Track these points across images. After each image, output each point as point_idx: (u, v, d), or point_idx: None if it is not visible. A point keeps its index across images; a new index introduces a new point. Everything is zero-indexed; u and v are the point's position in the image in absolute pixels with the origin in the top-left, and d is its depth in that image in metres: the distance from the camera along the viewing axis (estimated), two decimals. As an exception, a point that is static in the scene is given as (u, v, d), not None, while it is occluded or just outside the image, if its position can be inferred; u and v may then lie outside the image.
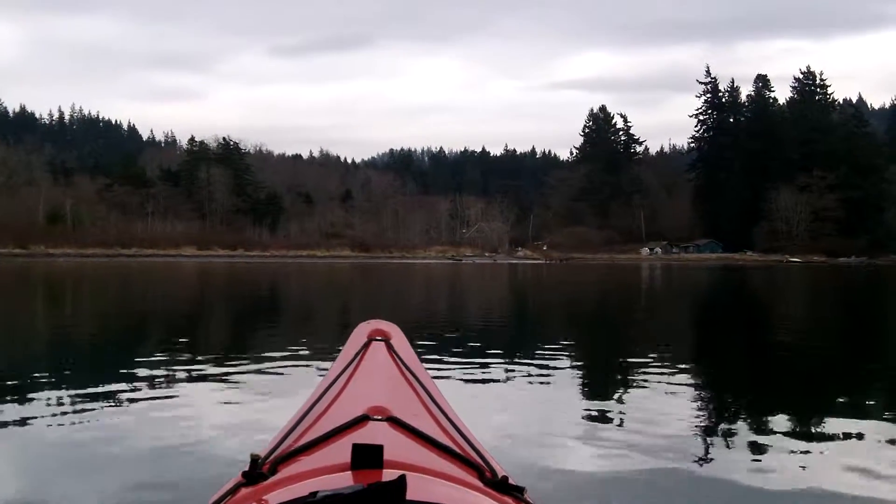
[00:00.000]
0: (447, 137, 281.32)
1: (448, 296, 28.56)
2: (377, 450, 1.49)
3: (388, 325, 2.64)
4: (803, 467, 4.85)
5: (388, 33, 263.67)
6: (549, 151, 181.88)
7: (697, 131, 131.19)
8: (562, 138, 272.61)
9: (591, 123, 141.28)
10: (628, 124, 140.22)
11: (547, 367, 8.81)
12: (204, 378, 7.79)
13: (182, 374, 8.03)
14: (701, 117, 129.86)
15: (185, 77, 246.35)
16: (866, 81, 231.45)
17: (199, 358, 9.39)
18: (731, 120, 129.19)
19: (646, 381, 8.16)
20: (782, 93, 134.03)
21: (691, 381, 8.40)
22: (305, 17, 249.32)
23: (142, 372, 8.17)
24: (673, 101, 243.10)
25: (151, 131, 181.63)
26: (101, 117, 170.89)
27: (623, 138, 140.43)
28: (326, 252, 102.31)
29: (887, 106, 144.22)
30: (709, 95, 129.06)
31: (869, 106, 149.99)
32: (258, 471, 1.59)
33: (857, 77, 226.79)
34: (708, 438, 5.65)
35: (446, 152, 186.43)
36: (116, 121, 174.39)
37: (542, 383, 7.84)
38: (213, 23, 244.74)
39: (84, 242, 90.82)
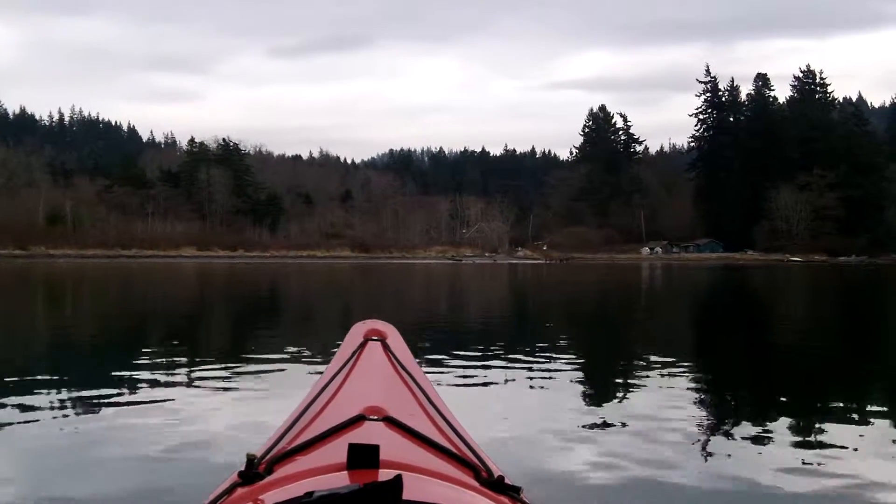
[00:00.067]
0: (447, 137, 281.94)
1: (448, 296, 28.54)
2: (373, 450, 1.49)
3: (384, 325, 2.64)
4: (804, 468, 4.83)
5: (387, 33, 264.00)
6: (549, 151, 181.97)
7: (697, 130, 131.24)
8: (562, 138, 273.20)
9: (590, 123, 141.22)
10: (628, 124, 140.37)
11: (545, 367, 8.80)
12: (201, 378, 7.78)
13: (179, 375, 8.03)
14: (701, 116, 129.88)
15: (184, 78, 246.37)
16: (866, 80, 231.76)
17: (197, 358, 9.40)
18: (731, 119, 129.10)
19: (645, 381, 8.16)
20: (782, 92, 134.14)
21: (691, 382, 8.38)
22: (304, 17, 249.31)
23: (139, 372, 8.17)
24: (673, 101, 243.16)
25: (151, 132, 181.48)
26: (100, 118, 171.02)
27: (623, 138, 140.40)
28: (326, 252, 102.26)
29: (887, 104, 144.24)
30: (709, 95, 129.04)
31: (869, 104, 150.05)
32: (254, 470, 1.58)
33: (856, 76, 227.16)
34: (707, 439, 5.64)
35: (446, 152, 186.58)
36: (116, 122, 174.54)
37: (539, 383, 7.82)
38: (213, 24, 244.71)
39: (84, 243, 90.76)
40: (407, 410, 1.95)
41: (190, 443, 5.16)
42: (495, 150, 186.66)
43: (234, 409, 6.35)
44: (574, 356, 10.25)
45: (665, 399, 7.00)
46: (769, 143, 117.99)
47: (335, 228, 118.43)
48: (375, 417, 1.83)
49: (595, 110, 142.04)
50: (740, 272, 57.56)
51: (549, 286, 37.25)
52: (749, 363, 10.24)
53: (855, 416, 6.47)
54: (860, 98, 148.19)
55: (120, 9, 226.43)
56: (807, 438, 5.71)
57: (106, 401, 6.59)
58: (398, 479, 1.26)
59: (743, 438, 5.62)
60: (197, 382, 7.56)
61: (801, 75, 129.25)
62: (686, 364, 9.75)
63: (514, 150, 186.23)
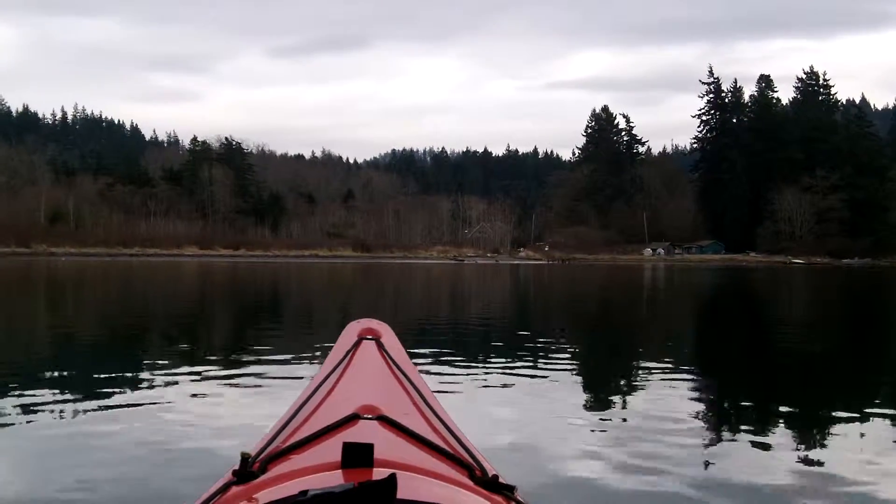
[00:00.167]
0: (449, 137, 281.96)
1: (448, 296, 28.51)
2: (367, 448, 1.49)
3: (379, 324, 2.62)
4: (805, 469, 4.78)
5: (387, 33, 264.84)
6: (551, 151, 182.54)
7: (700, 131, 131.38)
8: (564, 138, 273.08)
9: (593, 124, 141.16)
10: (630, 124, 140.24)
11: (542, 368, 8.75)
12: (197, 377, 7.76)
13: (175, 373, 7.99)
14: (704, 117, 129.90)
15: (186, 78, 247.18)
16: (868, 81, 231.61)
17: (194, 357, 9.40)
18: (734, 120, 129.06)
19: (644, 382, 8.11)
20: (785, 93, 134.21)
21: (691, 383, 8.32)
22: (304, 17, 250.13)
23: (136, 371, 8.19)
24: (673, 101, 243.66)
25: (154, 131, 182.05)
26: (103, 117, 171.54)
27: (625, 138, 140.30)
28: (328, 252, 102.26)
29: (890, 106, 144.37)
30: (711, 96, 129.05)
31: (872, 106, 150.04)
32: (248, 469, 1.58)
33: (858, 77, 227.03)
34: (706, 440, 5.59)
35: (448, 152, 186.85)
36: (119, 121, 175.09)
37: (535, 384, 7.78)
38: (214, 24, 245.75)
39: (86, 242, 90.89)
40: (401, 409, 1.95)
41: (185, 441, 5.15)
42: (497, 150, 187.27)
43: (230, 408, 6.32)
44: (572, 357, 10.20)
45: (664, 400, 6.96)
46: (772, 145, 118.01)
47: (337, 228, 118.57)
48: (370, 416, 1.82)
49: (597, 111, 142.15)
50: (743, 274, 57.53)
51: (550, 287, 37.22)
52: (750, 365, 10.17)
53: (857, 417, 6.41)
54: (863, 100, 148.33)
55: (122, 9, 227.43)
56: (808, 440, 5.66)
57: (102, 400, 6.55)
58: (392, 477, 1.27)
59: (741, 439, 5.59)
60: (193, 381, 7.53)
61: (804, 76, 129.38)
62: (686, 365, 9.70)
63: (517, 151, 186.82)
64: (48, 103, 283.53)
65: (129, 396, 6.75)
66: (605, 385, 8.26)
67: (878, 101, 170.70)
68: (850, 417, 6.39)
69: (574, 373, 8.74)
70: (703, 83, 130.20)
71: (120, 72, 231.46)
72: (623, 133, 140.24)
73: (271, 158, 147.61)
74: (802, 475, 4.61)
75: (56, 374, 8.15)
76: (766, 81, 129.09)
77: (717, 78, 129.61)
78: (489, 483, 1.60)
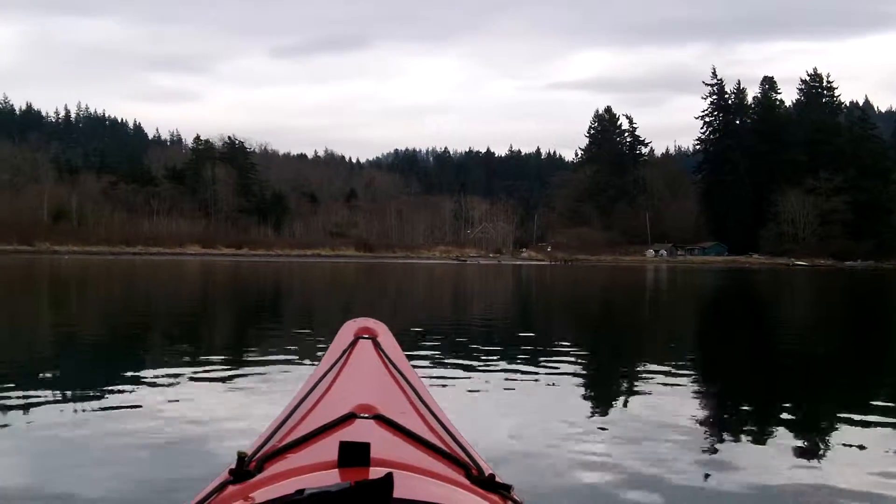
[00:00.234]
0: (452, 138, 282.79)
1: (449, 296, 28.48)
2: (364, 447, 1.49)
3: (375, 323, 2.61)
4: (809, 474, 4.74)
5: (388, 33, 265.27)
6: (554, 152, 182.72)
7: (703, 133, 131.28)
8: (566, 139, 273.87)
9: (596, 124, 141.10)
10: (633, 125, 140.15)
11: (543, 368, 8.72)
12: (195, 376, 7.75)
13: (173, 372, 7.98)
14: (707, 119, 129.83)
15: (188, 77, 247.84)
16: (871, 83, 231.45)
17: (192, 356, 9.39)
18: (738, 122, 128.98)
19: (644, 383, 8.08)
20: (789, 95, 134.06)
21: (691, 385, 8.28)
22: (306, 17, 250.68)
23: (135, 370, 8.16)
24: (676, 102, 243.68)
25: (157, 130, 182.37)
26: (106, 116, 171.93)
27: (628, 139, 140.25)
28: (331, 252, 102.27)
29: (894, 108, 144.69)
30: (715, 97, 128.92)
31: (875, 108, 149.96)
32: (245, 468, 1.57)
33: (861, 79, 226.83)
34: (705, 441, 5.55)
35: (451, 152, 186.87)
36: (122, 119, 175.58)
37: (536, 384, 7.76)
38: (215, 24, 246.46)
39: (89, 240, 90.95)
40: (398, 408, 1.95)
41: (182, 440, 5.14)
42: (500, 151, 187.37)
43: (229, 407, 6.31)
44: (573, 359, 10.15)
45: (665, 402, 6.92)
46: (775, 146, 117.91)
47: (340, 228, 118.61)
48: (366, 415, 1.82)
49: (600, 111, 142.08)
50: (745, 276, 57.46)
51: (552, 288, 37.19)
52: (751, 367, 10.14)
53: (860, 420, 6.37)
54: (867, 102, 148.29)
55: (125, 8, 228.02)
56: (811, 444, 5.63)
57: (100, 399, 6.55)
58: (389, 477, 1.27)
59: (742, 443, 5.57)
60: (192, 381, 7.52)
61: (807, 78, 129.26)
62: (688, 367, 9.67)
63: (519, 151, 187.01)
64: (51, 101, 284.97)
65: (128, 395, 6.73)
66: (605, 386, 8.24)
67: (882, 104, 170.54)
68: (852, 420, 6.35)
69: (574, 374, 8.70)
70: (706, 84, 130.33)
71: (123, 71, 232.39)
72: (626, 134, 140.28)
73: (274, 158, 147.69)
74: (805, 479, 4.58)
75: (55, 372, 8.12)
76: (769, 83, 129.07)
77: (721, 79, 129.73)
78: (486, 482, 1.59)
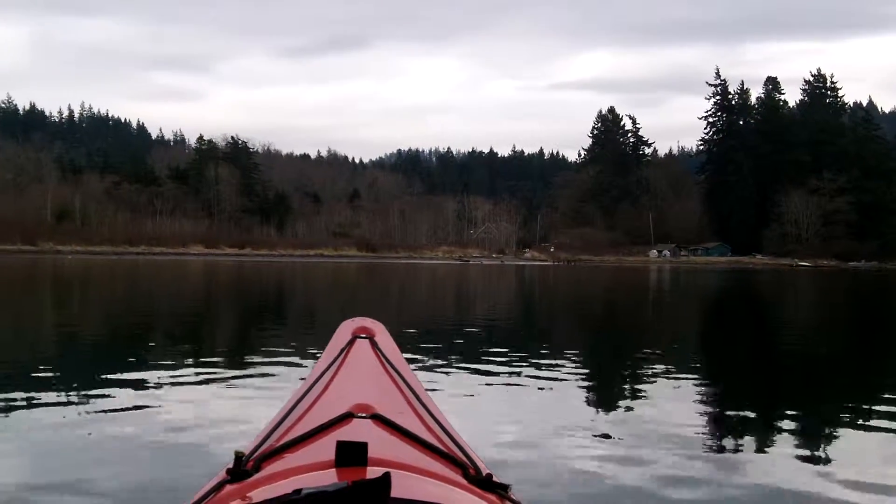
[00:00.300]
0: (455, 138, 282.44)
1: (451, 297, 28.46)
2: (361, 447, 1.49)
3: (373, 323, 2.61)
4: (812, 477, 4.70)
5: (389, 33, 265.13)
6: (557, 152, 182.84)
7: (707, 133, 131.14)
8: (569, 139, 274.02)
9: (599, 125, 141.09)
10: (637, 126, 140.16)
11: (544, 369, 8.71)
12: (197, 376, 7.74)
13: (172, 372, 7.99)
14: (710, 119, 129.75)
15: (191, 77, 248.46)
16: (874, 84, 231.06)
17: (193, 356, 9.39)
18: (741, 122, 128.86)
19: (645, 384, 8.07)
20: (792, 95, 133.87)
21: (694, 386, 8.22)
22: (308, 18, 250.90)
23: (135, 370, 8.17)
24: (679, 103, 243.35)
25: (160, 130, 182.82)
26: (110, 115, 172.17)
27: (631, 140, 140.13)
28: (333, 252, 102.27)
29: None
30: (718, 97, 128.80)
31: (879, 109, 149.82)
32: (242, 468, 1.57)
33: (864, 79, 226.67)
34: (705, 443, 5.53)
35: (454, 153, 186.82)
36: (125, 119, 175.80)
37: (537, 385, 7.72)
38: (218, 24, 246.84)
39: (92, 240, 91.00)
40: (395, 408, 1.95)
41: (181, 440, 5.13)
42: (503, 151, 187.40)
43: (227, 407, 6.30)
44: (575, 359, 10.13)
45: (666, 403, 6.90)
46: (779, 147, 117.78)
47: (342, 228, 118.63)
48: (363, 415, 1.82)
49: (603, 112, 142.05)
50: (748, 276, 57.38)
51: (555, 288, 37.16)
52: (754, 368, 10.12)
53: (862, 421, 6.35)
54: (870, 102, 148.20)
55: (128, 9, 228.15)
56: (813, 446, 5.59)
57: (100, 399, 6.53)
58: (386, 476, 1.26)
59: (744, 445, 5.54)
60: (191, 380, 7.51)
61: (811, 79, 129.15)
62: (690, 368, 9.63)
63: (522, 151, 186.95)
64: (55, 101, 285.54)
65: (128, 396, 6.71)
66: (606, 387, 8.21)
67: (885, 104, 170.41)
68: (856, 422, 6.34)
69: (576, 375, 8.67)
70: (709, 85, 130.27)
71: (126, 70, 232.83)
72: (629, 134, 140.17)
73: (277, 158, 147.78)
74: (809, 481, 4.55)
75: (56, 373, 8.11)
76: (772, 83, 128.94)
77: (724, 80, 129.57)
78: (483, 482, 1.59)
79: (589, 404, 7.10)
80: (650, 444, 5.28)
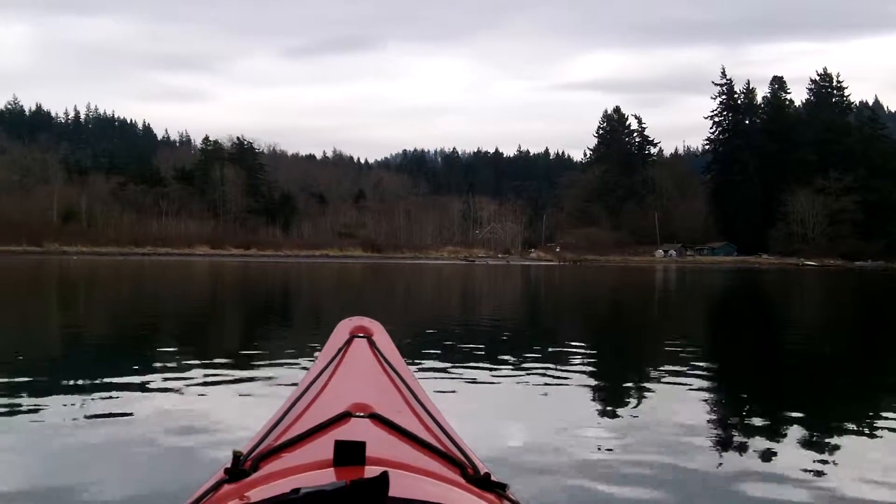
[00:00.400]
0: (460, 138, 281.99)
1: (458, 297, 28.45)
2: (360, 446, 1.48)
3: (371, 322, 2.60)
4: (816, 481, 4.66)
5: (396, 34, 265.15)
6: (563, 152, 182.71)
7: (712, 133, 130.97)
8: (575, 139, 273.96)
9: (605, 124, 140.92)
10: (642, 125, 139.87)
11: (547, 369, 8.68)
12: (193, 376, 7.75)
13: (172, 372, 8.02)
14: (716, 119, 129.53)
15: (197, 78, 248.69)
16: (880, 83, 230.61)
17: (194, 357, 9.38)
18: (747, 122, 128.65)
19: (648, 385, 8.03)
20: (798, 95, 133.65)
21: (698, 387, 8.14)
22: (315, 18, 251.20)
23: (135, 370, 8.17)
24: (685, 103, 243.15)
25: (166, 130, 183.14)
26: (115, 116, 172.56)
27: (637, 139, 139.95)
28: (339, 252, 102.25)
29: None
30: (724, 97, 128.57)
31: (885, 109, 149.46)
32: (240, 467, 1.56)
33: (871, 79, 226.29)
34: (708, 445, 5.49)
35: (459, 153, 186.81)
36: (131, 120, 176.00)
37: (539, 385, 7.71)
38: (224, 25, 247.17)
39: (98, 241, 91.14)
40: (393, 407, 1.95)
41: (178, 440, 5.13)
42: (508, 151, 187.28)
43: (225, 407, 6.31)
44: (578, 359, 10.10)
45: (668, 404, 6.86)
46: (785, 146, 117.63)
47: (348, 228, 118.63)
48: (361, 414, 1.82)
49: (609, 112, 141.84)
50: (754, 276, 57.27)
51: (561, 289, 37.12)
52: (759, 370, 10.06)
53: (867, 421, 6.31)
54: (876, 101, 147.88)
55: (134, 8, 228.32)
56: (818, 450, 5.52)
57: (101, 399, 6.54)
58: (384, 475, 1.26)
59: (745, 447, 5.48)
60: (190, 380, 7.51)
61: (817, 78, 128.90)
62: (694, 369, 9.54)
63: (528, 151, 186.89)
64: (61, 102, 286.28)
65: (127, 396, 6.73)
66: (608, 388, 8.17)
67: (891, 104, 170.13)
68: (861, 422, 6.29)
69: (579, 374, 8.63)
70: (715, 84, 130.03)
71: (132, 71, 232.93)
72: (635, 134, 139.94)
73: (282, 158, 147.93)
74: (814, 484, 4.51)
75: (57, 373, 8.13)
76: (779, 83, 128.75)
77: (730, 79, 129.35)
78: (481, 481, 1.59)
79: (591, 404, 7.06)
80: (651, 444, 5.25)
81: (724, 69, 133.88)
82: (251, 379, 7.61)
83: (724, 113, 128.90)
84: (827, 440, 5.74)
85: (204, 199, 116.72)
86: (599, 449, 5.10)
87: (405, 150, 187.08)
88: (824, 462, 5.05)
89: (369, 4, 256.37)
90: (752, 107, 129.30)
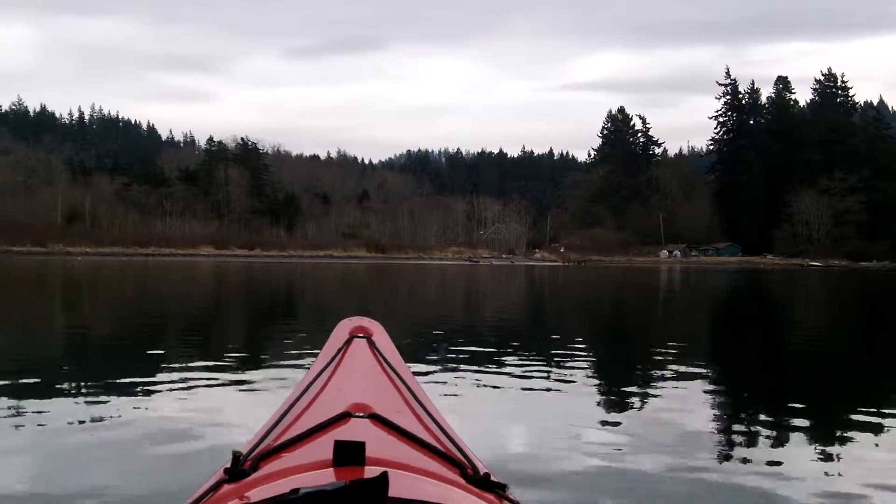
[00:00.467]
0: (464, 138, 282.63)
1: (462, 297, 28.42)
2: (359, 447, 1.48)
3: (370, 322, 2.60)
4: (821, 484, 4.61)
5: (400, 34, 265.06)
6: (567, 153, 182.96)
7: (717, 133, 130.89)
8: (579, 139, 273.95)
9: (609, 125, 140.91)
10: (647, 126, 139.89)
11: (550, 370, 8.66)
12: (195, 376, 7.72)
13: (172, 372, 8.00)
14: (720, 119, 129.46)
15: (201, 78, 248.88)
16: (885, 83, 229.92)
17: (196, 357, 9.37)
18: (751, 122, 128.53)
19: (651, 386, 7.98)
20: (803, 95, 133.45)
21: (701, 388, 8.12)
22: (319, 18, 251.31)
23: (134, 369, 8.18)
24: (689, 103, 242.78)
25: (170, 131, 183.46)
26: (120, 117, 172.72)
27: (641, 140, 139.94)
28: (343, 252, 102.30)
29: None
30: (728, 97, 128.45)
31: (890, 108, 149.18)
32: (240, 467, 1.56)
33: (875, 79, 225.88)
34: (710, 447, 5.43)
35: (463, 153, 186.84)
36: (135, 121, 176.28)
37: (542, 386, 7.67)
38: (229, 25, 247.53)
39: (102, 241, 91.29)
40: (393, 407, 1.95)
41: (178, 440, 5.12)
42: (512, 151, 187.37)
43: (225, 407, 6.31)
44: (580, 359, 10.05)
45: (671, 404, 6.83)
46: (789, 146, 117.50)
47: (352, 229, 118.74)
48: (361, 414, 1.82)
49: (613, 112, 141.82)
50: (759, 276, 57.18)
51: (565, 289, 37.08)
52: (763, 371, 10.01)
53: (872, 423, 6.25)
54: (881, 101, 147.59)
55: (138, 9, 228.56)
56: (822, 452, 5.47)
57: (101, 400, 6.53)
58: (384, 475, 1.26)
59: (746, 447, 5.45)
60: (190, 380, 7.49)
61: (821, 78, 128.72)
62: (698, 370, 9.52)
63: (532, 152, 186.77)
64: (65, 103, 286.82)
65: (127, 396, 6.72)
66: (611, 389, 8.12)
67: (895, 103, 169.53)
68: (865, 424, 6.23)
69: (581, 375, 8.59)
70: (719, 84, 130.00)
71: (136, 72, 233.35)
72: (639, 134, 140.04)
73: (287, 159, 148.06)
74: (818, 487, 4.46)
75: (58, 373, 8.13)
76: (783, 83, 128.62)
77: (735, 79, 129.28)
78: (481, 481, 1.59)
79: (593, 405, 7.02)
80: (652, 444, 5.23)
81: (728, 69, 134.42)
82: (252, 379, 7.59)
83: (729, 113, 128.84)
84: (832, 441, 5.70)
85: (208, 199, 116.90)
86: (600, 450, 5.07)
87: (409, 150, 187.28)
88: (830, 464, 5.02)
89: (372, 4, 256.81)
90: (757, 107, 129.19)
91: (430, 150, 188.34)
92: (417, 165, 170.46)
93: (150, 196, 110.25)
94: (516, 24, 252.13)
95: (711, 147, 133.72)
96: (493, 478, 1.61)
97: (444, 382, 7.52)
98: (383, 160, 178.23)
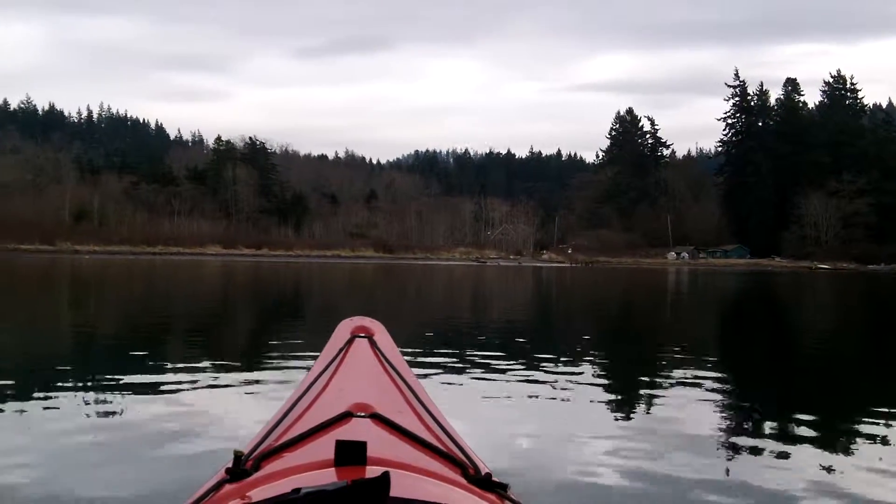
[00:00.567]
0: (472, 139, 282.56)
1: (469, 298, 28.42)
2: (361, 446, 1.48)
3: (372, 322, 2.60)
4: (825, 486, 4.58)
5: (408, 35, 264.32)
6: (575, 154, 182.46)
7: (725, 135, 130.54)
8: (587, 140, 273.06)
9: (617, 126, 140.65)
10: (655, 127, 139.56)
11: (554, 370, 8.67)
12: (197, 376, 7.74)
13: (174, 371, 8.05)
14: (729, 121, 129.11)
15: (210, 78, 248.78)
16: (893, 85, 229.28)
17: (197, 356, 9.44)
18: (760, 123, 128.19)
19: (654, 387, 7.96)
20: (812, 97, 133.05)
21: (706, 389, 8.06)
22: (328, 18, 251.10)
23: (136, 368, 8.22)
24: (697, 104, 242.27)
25: (178, 130, 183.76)
26: (128, 116, 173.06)
27: (650, 141, 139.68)
28: (350, 252, 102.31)
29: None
30: (737, 99, 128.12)
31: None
32: (241, 467, 1.56)
33: (884, 81, 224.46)
34: (714, 448, 5.42)
35: (471, 154, 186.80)
36: (144, 120, 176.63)
37: (544, 386, 7.68)
38: (238, 24, 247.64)
39: (110, 240, 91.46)
40: (394, 407, 1.95)
41: (179, 440, 5.13)
42: (520, 152, 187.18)
43: (226, 407, 6.30)
44: (585, 360, 10.04)
45: (675, 405, 6.82)
46: (798, 148, 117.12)
47: (359, 229, 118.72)
48: (363, 414, 1.82)
49: (622, 113, 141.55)
50: (767, 279, 57.03)
51: (572, 290, 37.04)
52: (768, 373, 9.99)
53: (879, 426, 6.21)
54: (890, 104, 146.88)
55: (147, 8, 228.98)
56: (828, 454, 5.45)
57: (101, 398, 6.55)
58: (385, 475, 1.26)
59: (748, 449, 5.43)
60: (191, 380, 7.50)
61: (830, 80, 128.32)
62: (703, 371, 9.46)
63: (540, 152, 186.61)
64: (74, 102, 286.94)
65: (128, 395, 6.74)
66: (614, 390, 8.09)
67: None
68: (872, 427, 6.20)
69: (586, 376, 8.58)
70: (728, 86, 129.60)
71: (145, 71, 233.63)
72: (647, 135, 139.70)
73: (295, 158, 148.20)
74: (824, 489, 4.44)
75: (59, 373, 8.11)
76: (792, 85, 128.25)
77: (743, 81, 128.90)
78: (482, 481, 1.59)
79: (596, 406, 6.99)
80: (657, 446, 5.21)
81: (737, 71, 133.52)
82: (254, 379, 7.59)
83: (737, 115, 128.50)
84: (840, 444, 5.69)
85: (216, 198, 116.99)
86: (603, 450, 5.06)
87: (417, 150, 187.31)
88: (838, 467, 4.98)
89: (379, 5, 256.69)
90: (766, 109, 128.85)
91: (437, 151, 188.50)
92: (425, 165, 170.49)
93: (158, 195, 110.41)
94: (517, 24, 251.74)
95: (720, 149, 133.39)
96: (494, 478, 1.61)
97: (448, 383, 7.51)
98: (391, 160, 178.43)
